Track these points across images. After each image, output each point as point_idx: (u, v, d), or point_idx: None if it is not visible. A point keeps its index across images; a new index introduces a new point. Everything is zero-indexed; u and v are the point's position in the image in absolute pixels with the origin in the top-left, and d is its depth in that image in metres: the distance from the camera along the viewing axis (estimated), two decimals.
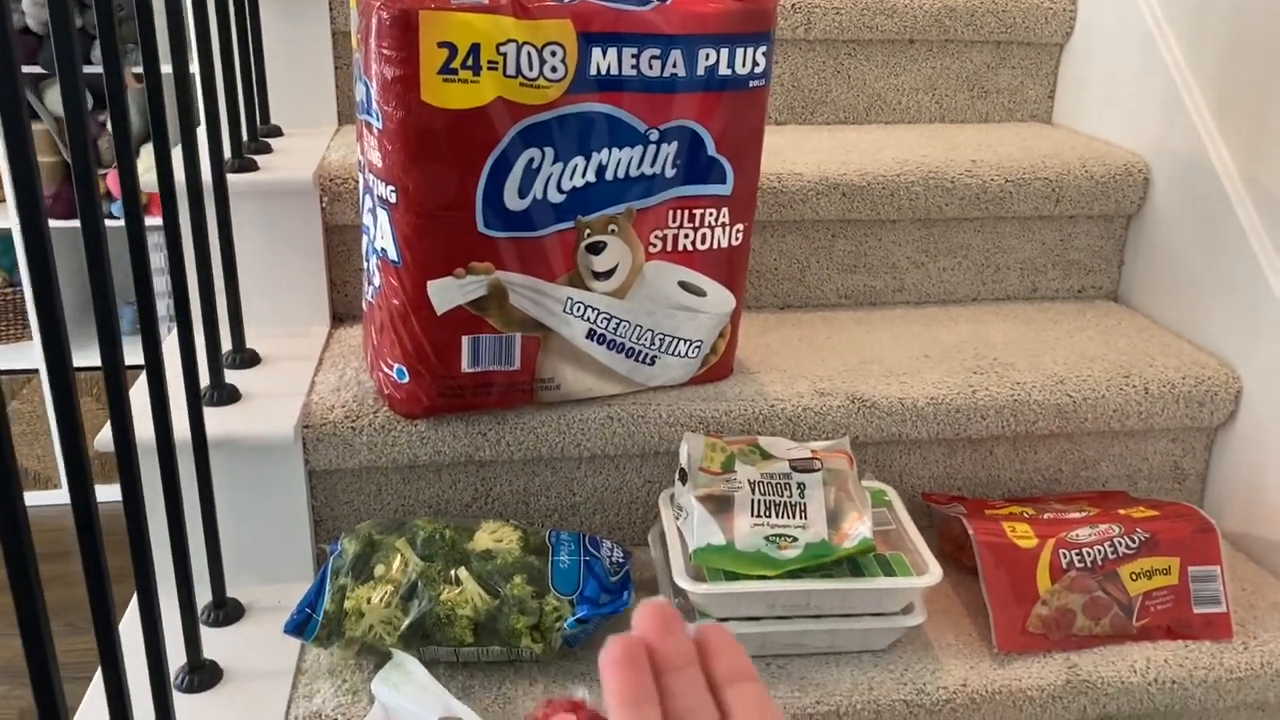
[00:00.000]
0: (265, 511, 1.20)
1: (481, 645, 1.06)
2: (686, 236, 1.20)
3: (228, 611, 1.17)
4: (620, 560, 1.13)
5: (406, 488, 1.26)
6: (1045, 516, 1.21)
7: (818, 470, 1.13)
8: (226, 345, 1.28)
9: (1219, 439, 1.40)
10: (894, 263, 1.55)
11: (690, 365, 1.27)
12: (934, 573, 1.09)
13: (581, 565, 1.09)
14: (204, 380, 1.17)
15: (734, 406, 1.25)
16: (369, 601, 1.04)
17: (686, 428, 1.24)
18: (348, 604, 1.04)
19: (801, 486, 1.12)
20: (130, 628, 0.97)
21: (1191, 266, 1.45)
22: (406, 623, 1.04)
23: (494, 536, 1.11)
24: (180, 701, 1.04)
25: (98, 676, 0.95)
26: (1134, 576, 1.14)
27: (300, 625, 1.04)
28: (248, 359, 1.30)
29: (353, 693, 1.06)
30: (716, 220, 1.20)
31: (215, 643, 1.12)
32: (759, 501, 1.10)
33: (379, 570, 1.07)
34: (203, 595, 1.16)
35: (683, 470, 1.16)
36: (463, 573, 1.07)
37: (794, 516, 1.10)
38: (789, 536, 1.09)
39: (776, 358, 1.37)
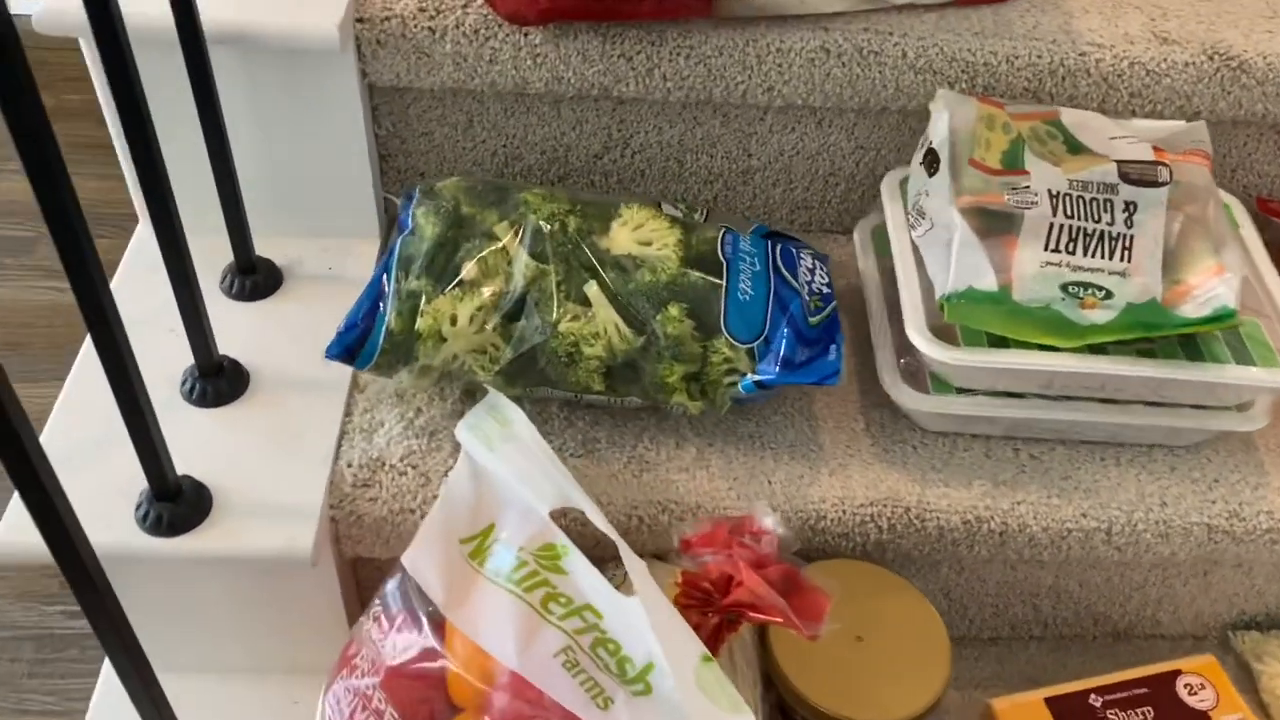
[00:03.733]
0: (308, 135, 0.83)
1: (615, 395, 0.73)
2: None
3: (257, 281, 0.84)
4: (825, 289, 0.75)
5: (510, 123, 0.86)
6: None
7: (1163, 184, 0.71)
8: None
9: None
10: None
11: None
12: None
13: (770, 298, 0.72)
14: None
15: (1023, 50, 0.80)
16: (454, 321, 0.70)
17: (943, 79, 0.81)
18: (421, 322, 0.70)
19: (1130, 208, 0.71)
20: None
21: None
22: (509, 356, 0.70)
23: (639, 234, 0.74)
24: (185, 416, 0.75)
25: None
26: None
27: (350, 348, 0.70)
28: None
29: (430, 433, 0.75)
30: None
31: (237, 326, 0.80)
32: (1060, 228, 0.70)
33: (469, 271, 0.71)
34: (220, 252, 0.82)
35: (932, 152, 0.75)
36: (593, 290, 0.71)
37: (1111, 255, 0.70)
38: (1098, 288, 0.70)
39: None
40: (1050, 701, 0.80)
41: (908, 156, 0.87)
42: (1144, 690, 0.81)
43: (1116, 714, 0.80)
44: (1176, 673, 0.82)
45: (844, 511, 0.74)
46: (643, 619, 0.60)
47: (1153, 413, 0.74)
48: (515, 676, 0.60)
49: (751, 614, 0.60)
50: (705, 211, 0.81)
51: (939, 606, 0.85)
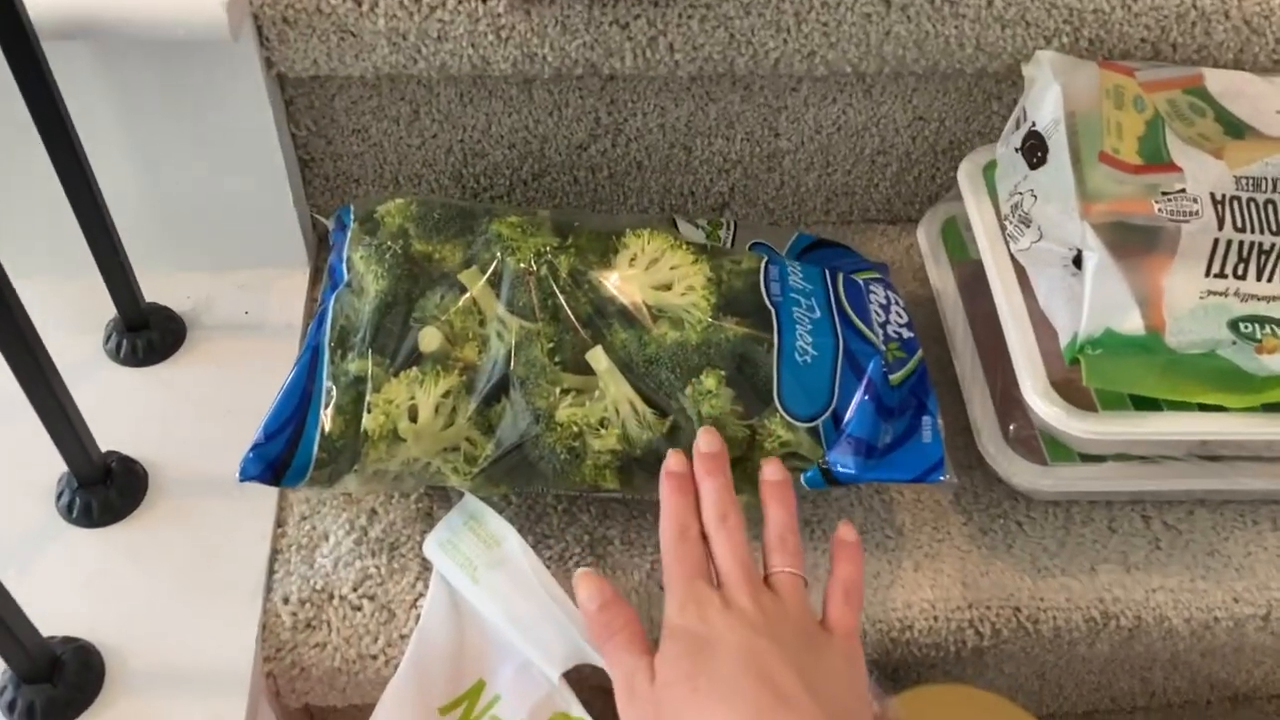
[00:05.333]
0: (204, 145, 0.62)
1: (632, 493, 0.55)
2: None
3: (151, 339, 0.64)
4: (904, 331, 0.57)
5: (468, 112, 0.66)
6: None
7: None
8: None
9: None
10: None
11: None
12: None
13: (839, 357, 0.53)
14: None
15: None
16: (414, 416, 0.51)
17: (1038, 33, 0.61)
18: (370, 421, 0.50)
19: None
20: None
21: None
22: (489, 456, 0.52)
23: (654, 274, 0.54)
24: (65, 541, 0.56)
25: None
26: None
27: (274, 465, 0.50)
28: None
29: (390, 547, 0.57)
30: None
31: (128, 404, 0.61)
32: (1227, 244, 0.52)
33: (428, 340, 0.52)
34: (101, 302, 0.62)
35: (1036, 136, 0.56)
36: (598, 358, 0.52)
37: None
38: (1279, 324, 0.52)
39: None
40: None
41: (979, 127, 0.69)
42: None
43: None
44: None
45: (935, 618, 0.57)
46: None
47: None
48: None
49: None
50: (732, 226, 0.62)
51: (1030, 688, 0.69)
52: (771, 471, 0.51)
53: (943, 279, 0.65)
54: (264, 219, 0.67)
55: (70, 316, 0.64)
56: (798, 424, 0.52)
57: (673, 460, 0.51)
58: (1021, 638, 0.58)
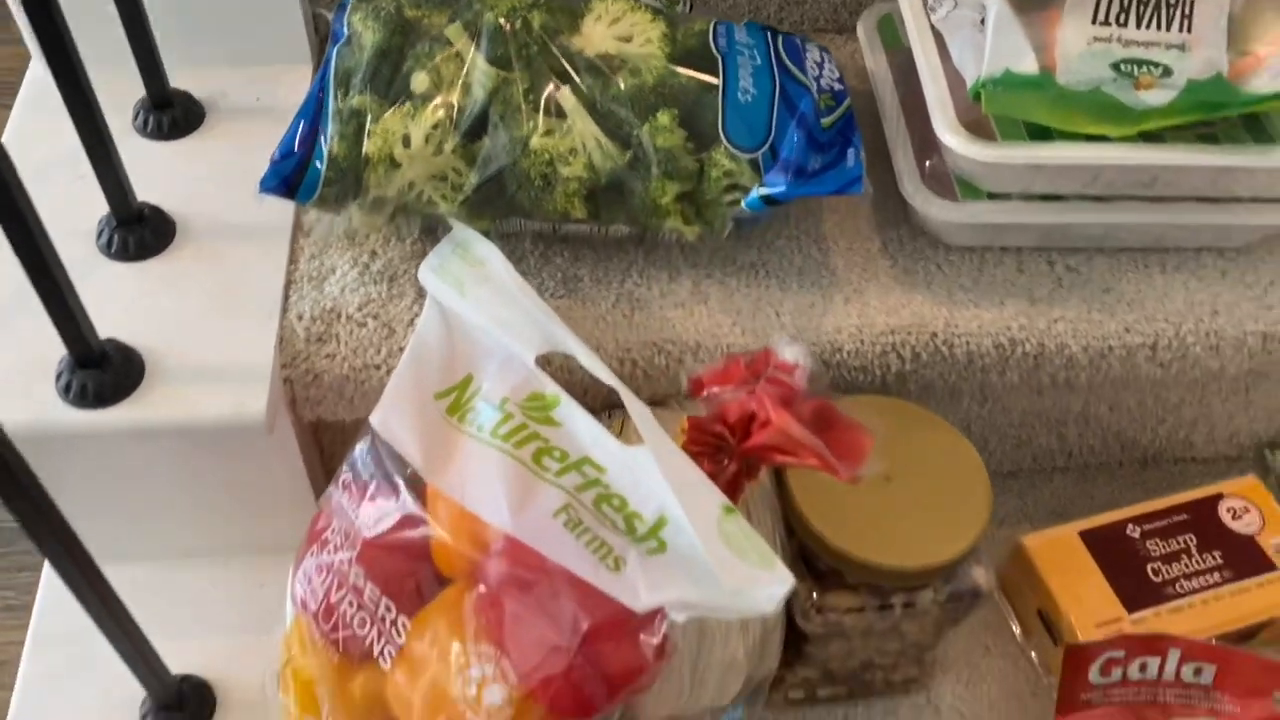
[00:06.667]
0: None
1: (599, 222, 0.63)
2: None
3: (175, 116, 0.72)
4: (836, 84, 0.65)
5: None
6: None
7: None
8: None
9: None
10: None
11: None
12: None
13: (776, 97, 0.61)
14: None
15: None
16: (406, 143, 0.59)
17: None
18: (370, 145, 0.59)
19: None
20: None
21: None
22: (474, 182, 0.60)
23: (616, 29, 0.63)
24: (104, 272, 0.65)
25: None
26: None
27: (288, 179, 0.59)
28: None
29: (389, 278, 0.66)
30: None
31: (156, 169, 0.69)
32: None
33: (419, 82, 0.60)
34: (128, 88, 0.71)
35: None
36: (567, 98, 0.60)
37: (1168, 26, 0.60)
38: (1155, 65, 0.60)
39: None
40: (1085, 535, 0.75)
41: None
42: (1184, 517, 0.76)
43: (1156, 544, 0.74)
44: (1218, 497, 0.77)
45: (863, 342, 0.66)
46: (652, 468, 0.52)
47: (1207, 210, 0.66)
48: (510, 541, 0.53)
49: (779, 457, 0.53)
50: (688, 3, 0.70)
51: None
52: None
53: (877, 63, 0.73)
54: (272, 16, 0.75)
55: (104, 98, 0.72)
56: (740, 155, 0.60)
57: None
58: (939, 362, 0.67)
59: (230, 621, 0.70)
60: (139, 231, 0.65)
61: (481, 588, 0.53)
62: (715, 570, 0.49)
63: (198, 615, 0.70)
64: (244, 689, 0.68)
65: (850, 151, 0.61)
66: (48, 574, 0.72)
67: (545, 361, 0.59)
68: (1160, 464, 0.85)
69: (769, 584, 0.49)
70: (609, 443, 0.54)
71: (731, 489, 0.56)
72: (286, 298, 0.64)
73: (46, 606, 0.70)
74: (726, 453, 0.56)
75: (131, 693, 0.62)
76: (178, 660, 0.64)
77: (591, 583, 0.51)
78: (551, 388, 0.58)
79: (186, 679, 0.67)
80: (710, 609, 0.51)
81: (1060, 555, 0.73)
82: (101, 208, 0.65)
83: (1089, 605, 0.70)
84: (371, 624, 0.57)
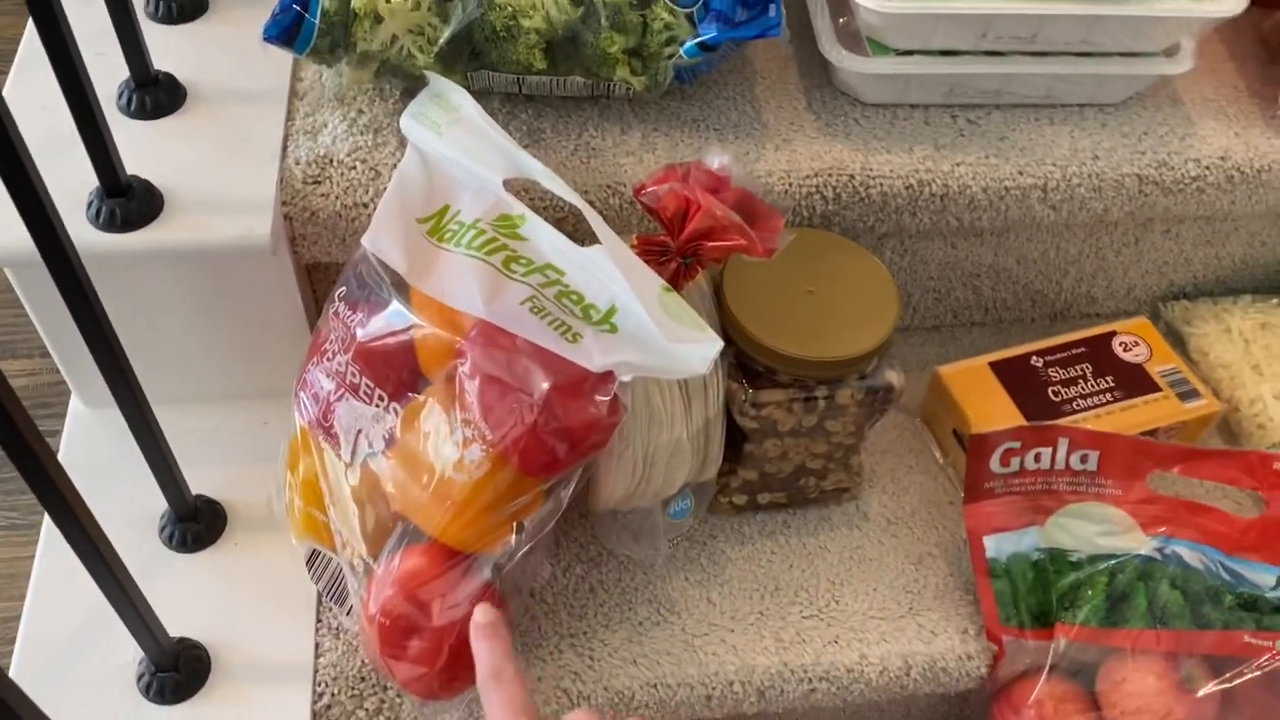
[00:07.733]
0: None
1: (557, 74, 0.73)
2: None
3: (183, 4, 0.81)
4: None
5: None
6: None
7: None
8: None
9: None
10: None
11: None
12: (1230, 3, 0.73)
13: None
14: None
15: None
16: None
17: None
18: (357, 1, 0.69)
19: None
20: None
21: None
22: (447, 34, 0.70)
23: None
24: (124, 126, 0.73)
25: None
26: None
27: (287, 29, 0.69)
28: None
29: (375, 130, 0.75)
30: None
31: (168, 46, 0.78)
32: None
33: None
34: None
35: None
36: None
37: None
38: None
39: None
40: (995, 365, 0.85)
41: None
42: (1082, 349, 0.86)
43: (1057, 371, 0.84)
44: (1112, 333, 0.87)
45: (790, 184, 0.76)
46: (606, 264, 0.61)
47: (1082, 62, 0.76)
48: (485, 324, 0.62)
49: (709, 244, 0.62)
50: None
51: None
52: (480, 614, 0.57)
53: None
54: None
55: None
56: (678, 9, 0.70)
57: (478, 614, 0.57)
58: (858, 203, 0.77)
59: (238, 454, 0.79)
60: (155, 93, 0.74)
61: (461, 363, 0.63)
62: (656, 330, 0.59)
63: (208, 449, 0.79)
64: (251, 508, 0.77)
65: (772, 5, 0.71)
66: None
67: (516, 190, 0.69)
68: (1067, 318, 0.95)
69: (702, 344, 0.59)
70: (567, 248, 0.64)
71: (673, 284, 0.65)
72: (285, 147, 0.74)
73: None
74: (667, 255, 0.65)
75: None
76: (193, 486, 0.73)
77: (554, 351, 0.60)
78: (518, 208, 0.67)
79: (201, 496, 0.76)
80: (653, 369, 0.60)
81: (972, 381, 0.84)
82: (118, 77, 0.74)
83: (996, 421, 0.80)
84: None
